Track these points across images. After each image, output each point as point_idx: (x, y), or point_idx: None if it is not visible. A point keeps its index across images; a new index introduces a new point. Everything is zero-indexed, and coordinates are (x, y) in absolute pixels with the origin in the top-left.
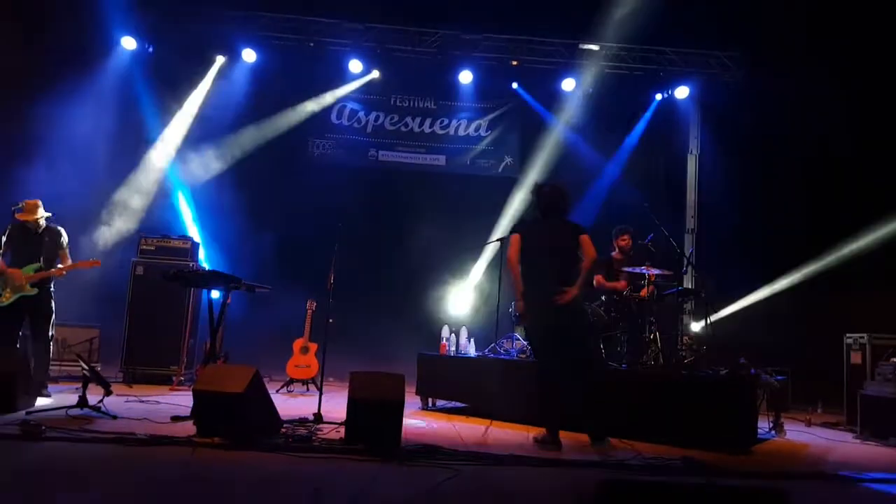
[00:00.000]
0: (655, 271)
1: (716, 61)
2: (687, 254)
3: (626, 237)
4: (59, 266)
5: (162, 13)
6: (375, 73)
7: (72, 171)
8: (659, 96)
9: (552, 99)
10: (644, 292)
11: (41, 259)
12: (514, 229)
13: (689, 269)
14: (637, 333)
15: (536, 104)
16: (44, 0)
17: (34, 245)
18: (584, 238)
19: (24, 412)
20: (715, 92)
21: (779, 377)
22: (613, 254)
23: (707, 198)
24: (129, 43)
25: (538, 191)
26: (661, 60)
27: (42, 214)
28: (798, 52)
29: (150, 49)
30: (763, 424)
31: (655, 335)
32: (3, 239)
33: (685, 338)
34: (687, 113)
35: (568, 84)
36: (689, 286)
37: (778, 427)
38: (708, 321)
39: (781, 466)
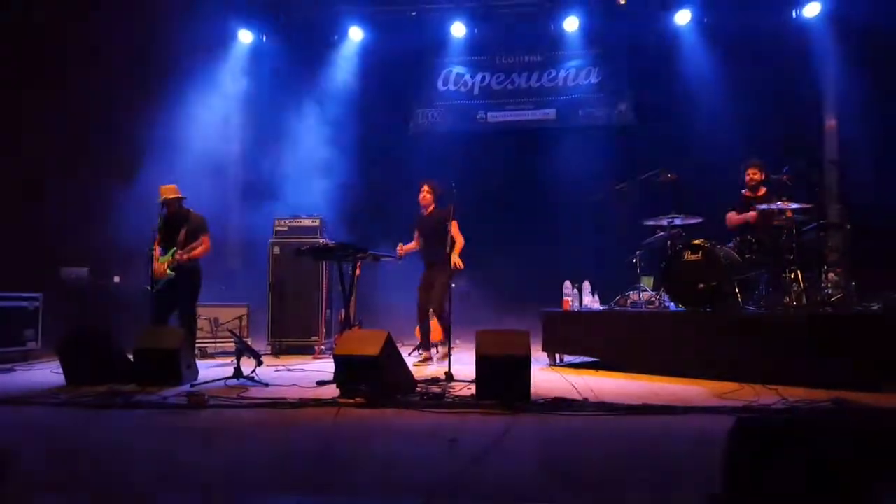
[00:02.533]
0: (793, 206)
1: None
2: (829, 185)
3: (753, 170)
4: (179, 252)
5: (270, 3)
6: (476, 33)
7: (203, 160)
8: (794, 13)
9: (665, 36)
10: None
11: (178, 244)
12: None
13: (832, 201)
14: (777, 274)
15: (648, 44)
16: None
17: (175, 231)
18: None
19: (188, 384)
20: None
21: None
22: (744, 191)
23: (848, 125)
24: (245, 36)
25: None
26: None
27: (175, 195)
28: None
29: (265, 39)
30: None
31: (797, 274)
32: (157, 231)
33: (830, 275)
34: (818, 33)
35: (682, 17)
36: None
37: None
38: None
39: None
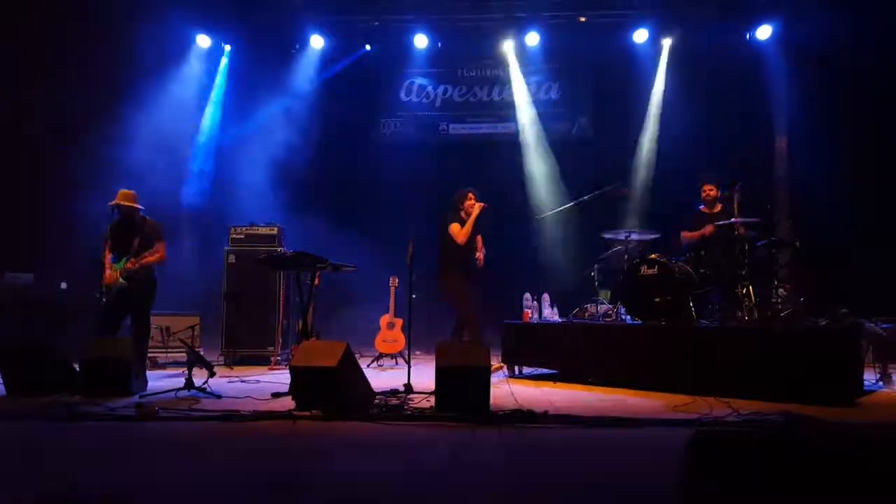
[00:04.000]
0: (747, 221)
1: None
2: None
3: (709, 186)
4: (133, 260)
5: (232, 8)
6: (440, 45)
7: (158, 165)
8: (747, 35)
9: (623, 53)
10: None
11: (132, 252)
12: None
13: (782, 218)
14: (730, 289)
15: (607, 61)
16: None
17: (128, 239)
18: None
19: (137, 395)
20: (798, 28)
21: (884, 325)
22: (701, 207)
23: (798, 144)
24: (203, 41)
25: None
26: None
27: (131, 202)
28: None
29: (225, 45)
30: (870, 376)
31: (749, 289)
32: (107, 238)
33: (781, 290)
34: (770, 55)
35: (640, 35)
36: (783, 237)
37: (886, 378)
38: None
39: (890, 417)
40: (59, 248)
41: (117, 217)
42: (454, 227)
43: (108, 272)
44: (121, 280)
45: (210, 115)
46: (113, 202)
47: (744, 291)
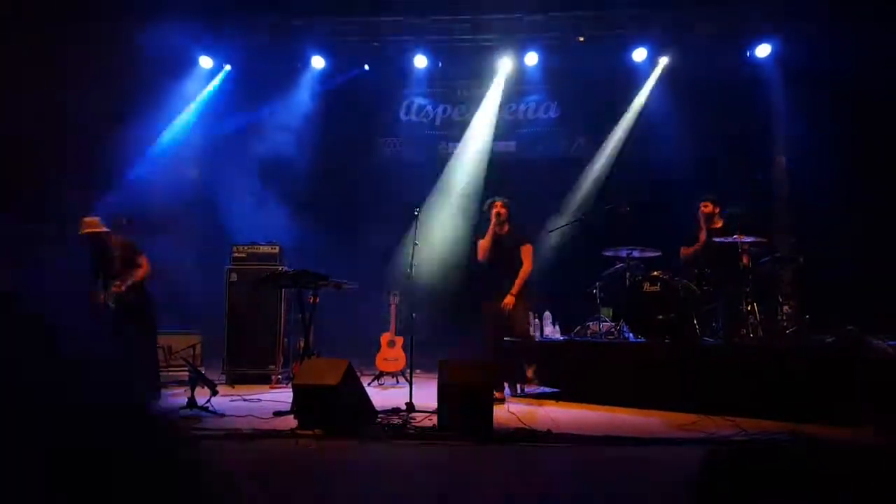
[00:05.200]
0: (748, 239)
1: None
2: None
3: (707, 204)
4: (118, 282)
5: (234, 30)
6: (440, 65)
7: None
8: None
9: (623, 72)
10: (746, 259)
11: (115, 274)
12: None
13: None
14: (733, 306)
15: (606, 80)
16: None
17: (109, 264)
18: None
19: None
20: (797, 47)
21: (892, 343)
22: (701, 224)
23: (798, 162)
24: (205, 62)
25: None
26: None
27: (97, 228)
28: None
29: (227, 66)
30: None
31: (753, 306)
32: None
33: (785, 307)
34: (769, 73)
35: (639, 54)
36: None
37: None
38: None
39: None
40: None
41: (90, 246)
42: (480, 244)
43: (100, 297)
44: (110, 304)
45: (210, 135)
46: (81, 232)
47: (748, 308)
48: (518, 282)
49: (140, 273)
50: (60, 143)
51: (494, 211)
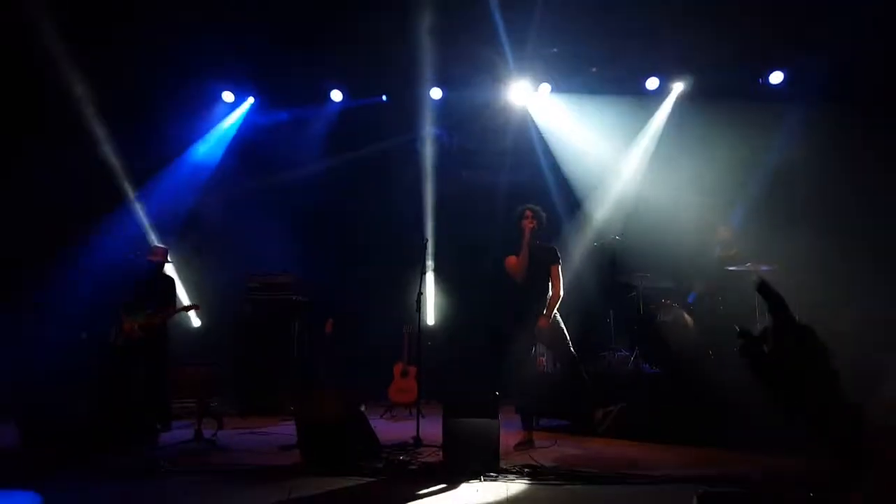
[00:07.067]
0: (764, 268)
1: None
2: None
3: (724, 230)
4: (160, 314)
5: (256, 66)
6: (455, 96)
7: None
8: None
9: (636, 101)
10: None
11: (153, 305)
12: None
13: None
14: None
15: (621, 109)
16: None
17: (150, 292)
18: None
19: (147, 448)
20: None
21: None
22: (717, 251)
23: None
24: (228, 97)
25: None
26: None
27: (162, 258)
28: None
29: (251, 99)
30: None
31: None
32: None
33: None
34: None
35: (651, 83)
36: None
37: None
38: None
39: None
40: (78, 298)
41: (146, 273)
42: (509, 260)
43: (126, 324)
44: (139, 331)
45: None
46: (154, 258)
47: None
48: (551, 304)
49: (173, 311)
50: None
51: (526, 222)
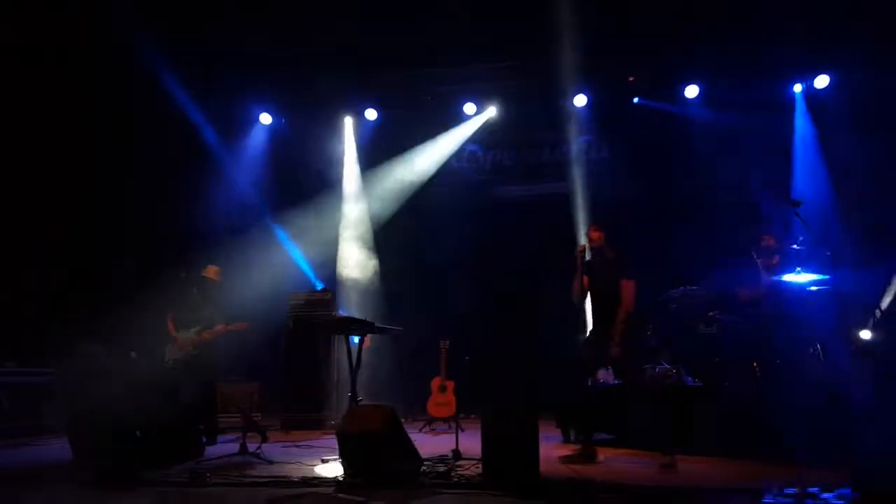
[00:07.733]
0: (808, 277)
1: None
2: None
3: (767, 237)
4: (212, 330)
5: (287, 87)
6: (492, 111)
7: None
8: (798, 87)
9: (674, 111)
10: None
11: (201, 322)
12: None
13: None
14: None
15: (658, 119)
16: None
17: (198, 310)
18: None
19: (193, 461)
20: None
21: None
22: (758, 260)
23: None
24: (265, 118)
25: None
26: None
27: (215, 277)
28: None
29: (283, 121)
30: None
31: (817, 348)
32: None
33: None
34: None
35: (691, 91)
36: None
37: None
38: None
39: None
40: (128, 317)
41: (198, 290)
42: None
43: (179, 341)
44: (192, 350)
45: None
46: (203, 275)
47: (811, 351)
48: (619, 326)
49: (223, 329)
50: None
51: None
